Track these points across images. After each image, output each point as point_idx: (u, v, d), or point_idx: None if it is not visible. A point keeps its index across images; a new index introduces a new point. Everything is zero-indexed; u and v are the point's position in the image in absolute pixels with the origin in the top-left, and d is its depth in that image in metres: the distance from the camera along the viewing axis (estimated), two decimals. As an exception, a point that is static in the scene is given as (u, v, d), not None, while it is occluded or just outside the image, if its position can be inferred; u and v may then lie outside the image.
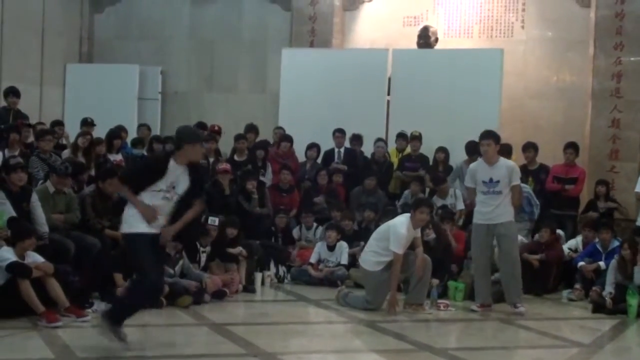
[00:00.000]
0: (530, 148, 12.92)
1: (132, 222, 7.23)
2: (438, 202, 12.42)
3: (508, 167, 9.88)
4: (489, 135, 10.03)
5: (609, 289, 10.41)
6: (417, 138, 13.40)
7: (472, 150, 12.84)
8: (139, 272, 7.45)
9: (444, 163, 13.19)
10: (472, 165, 10.38)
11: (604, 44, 14.13)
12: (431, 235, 10.95)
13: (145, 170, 7.53)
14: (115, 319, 7.20)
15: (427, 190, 12.73)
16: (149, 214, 7.21)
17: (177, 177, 7.28)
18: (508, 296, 9.97)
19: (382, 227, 9.87)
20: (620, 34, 14.04)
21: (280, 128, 13.98)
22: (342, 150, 13.63)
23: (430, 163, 13.31)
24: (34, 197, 9.26)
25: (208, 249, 10.42)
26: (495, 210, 9.83)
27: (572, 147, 12.80)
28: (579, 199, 12.85)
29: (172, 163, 7.26)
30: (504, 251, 9.91)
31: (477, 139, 12.71)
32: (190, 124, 13.90)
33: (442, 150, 13.22)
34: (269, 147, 13.55)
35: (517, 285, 9.94)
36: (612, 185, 13.60)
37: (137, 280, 7.55)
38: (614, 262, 10.62)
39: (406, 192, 12.66)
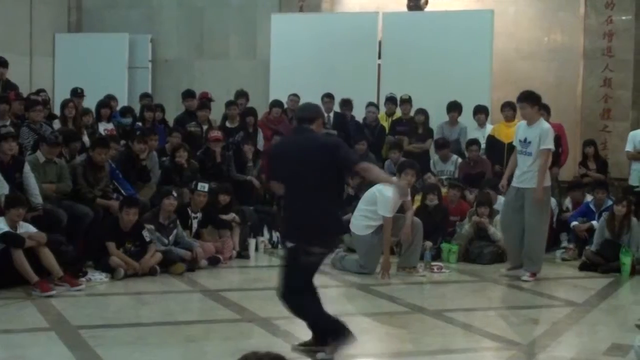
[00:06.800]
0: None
1: None
2: (438, 165, 12.48)
3: (541, 129, 9.53)
4: (522, 98, 9.70)
5: (595, 246, 10.50)
6: (407, 101, 13.37)
7: (451, 108, 12.92)
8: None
9: (424, 125, 13.19)
10: (518, 123, 10.10)
11: (594, 2, 14.05)
12: (434, 201, 10.98)
13: None
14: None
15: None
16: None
17: None
18: (523, 261, 9.73)
19: (370, 192, 9.84)
20: (611, -8, 13.99)
21: (296, 95, 13.78)
22: (331, 115, 13.57)
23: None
24: (27, 168, 9.24)
25: (199, 215, 10.42)
26: (524, 174, 9.56)
27: (543, 109, 12.44)
28: (559, 157, 12.70)
29: None
30: (526, 219, 9.59)
31: (468, 101, 12.89)
32: (180, 91, 13.99)
33: (421, 112, 13.21)
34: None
35: (533, 255, 9.62)
36: (604, 145, 13.62)
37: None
38: (603, 219, 10.67)
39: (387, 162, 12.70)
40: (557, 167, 11.94)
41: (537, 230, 9.63)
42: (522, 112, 9.79)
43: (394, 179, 6.27)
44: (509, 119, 12.29)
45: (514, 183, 9.71)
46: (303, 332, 6.31)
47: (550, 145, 9.53)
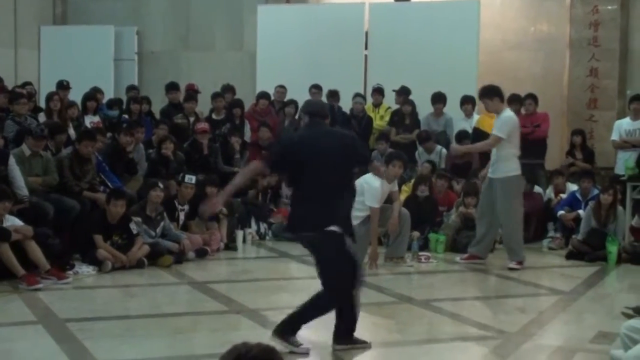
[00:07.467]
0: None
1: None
2: (423, 156, 12.50)
3: (500, 118, 9.67)
4: (481, 95, 9.99)
5: (581, 235, 10.55)
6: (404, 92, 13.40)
7: (436, 100, 12.95)
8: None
9: (411, 116, 13.18)
10: None
11: (580, -8, 14.09)
12: (425, 192, 11.02)
13: None
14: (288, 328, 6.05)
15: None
16: None
17: None
18: (507, 252, 9.92)
19: (357, 182, 9.82)
20: (597, -19, 14.01)
21: (282, 87, 13.88)
22: (319, 106, 13.55)
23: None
24: (12, 161, 9.18)
25: (186, 207, 10.41)
26: (493, 164, 9.72)
27: (530, 98, 12.67)
28: (546, 146, 12.83)
29: None
30: (497, 209, 9.69)
31: (454, 91, 12.93)
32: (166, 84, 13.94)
33: (408, 102, 13.20)
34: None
35: (513, 244, 9.76)
36: (591, 134, 13.64)
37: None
38: (589, 208, 10.73)
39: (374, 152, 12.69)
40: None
41: (508, 219, 9.70)
42: (486, 107, 9.99)
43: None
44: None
45: (488, 173, 9.85)
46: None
47: (499, 133, 9.55)
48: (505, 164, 9.59)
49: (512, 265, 9.61)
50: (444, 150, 12.56)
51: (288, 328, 6.00)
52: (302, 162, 6.01)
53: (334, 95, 13.48)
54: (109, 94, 14.30)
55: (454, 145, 10.54)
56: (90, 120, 12.18)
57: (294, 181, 6.23)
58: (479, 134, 12.41)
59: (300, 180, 6.09)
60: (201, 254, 10.12)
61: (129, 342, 6.40)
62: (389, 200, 9.75)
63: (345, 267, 5.96)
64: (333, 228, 5.91)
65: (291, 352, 5.86)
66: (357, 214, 9.57)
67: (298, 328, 6.02)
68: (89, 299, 8.11)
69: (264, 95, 13.53)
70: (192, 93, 13.41)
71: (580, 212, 11.19)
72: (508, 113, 9.78)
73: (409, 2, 14.65)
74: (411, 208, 10.34)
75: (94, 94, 12.76)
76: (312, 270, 9.23)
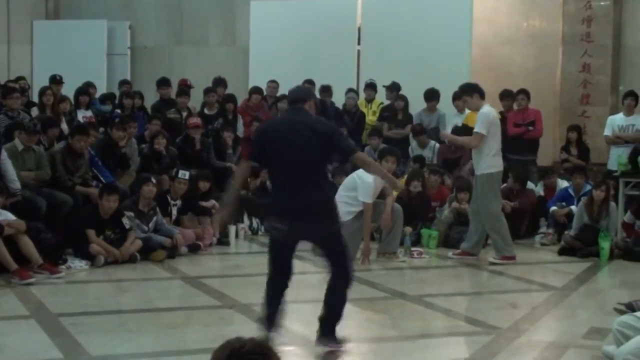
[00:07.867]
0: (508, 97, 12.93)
1: None
2: (416, 151, 12.51)
3: (477, 115, 9.69)
4: (461, 93, 10.12)
5: (574, 230, 10.56)
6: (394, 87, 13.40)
7: (430, 97, 12.96)
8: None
9: (404, 111, 13.20)
10: None
11: (573, -12, 14.10)
12: (418, 187, 11.03)
13: None
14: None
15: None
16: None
17: None
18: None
19: (350, 178, 9.82)
20: (590, -23, 14.02)
21: (274, 82, 13.89)
22: (311, 101, 13.54)
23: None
24: (3, 154, 9.16)
25: (179, 202, 10.40)
26: (475, 161, 9.76)
27: (523, 93, 12.71)
28: (538, 142, 12.85)
29: None
30: (479, 206, 9.74)
31: (447, 86, 12.95)
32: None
33: (401, 98, 13.22)
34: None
35: (497, 240, 9.75)
36: (583, 130, 13.65)
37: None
38: (581, 204, 10.74)
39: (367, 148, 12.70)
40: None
41: (487, 215, 9.68)
42: (466, 105, 10.18)
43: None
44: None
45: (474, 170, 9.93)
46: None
47: (479, 129, 9.56)
48: (484, 160, 9.60)
49: (493, 259, 9.68)
50: (437, 145, 12.57)
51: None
52: (270, 151, 5.88)
53: (326, 90, 13.49)
54: (101, 89, 14.28)
55: (443, 131, 10.69)
56: (82, 115, 12.16)
57: (269, 171, 6.24)
58: (467, 130, 12.42)
59: (271, 169, 6.09)
60: (194, 248, 10.11)
61: (122, 337, 6.40)
62: (382, 195, 9.75)
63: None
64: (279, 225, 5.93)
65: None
66: (350, 209, 9.60)
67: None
68: (81, 294, 8.11)
69: (256, 90, 13.52)
70: (185, 88, 13.39)
71: (573, 207, 11.19)
72: (485, 109, 9.72)
73: (402, -3, 14.64)
74: (404, 203, 10.35)
75: (86, 89, 12.74)
76: (304, 266, 9.31)
